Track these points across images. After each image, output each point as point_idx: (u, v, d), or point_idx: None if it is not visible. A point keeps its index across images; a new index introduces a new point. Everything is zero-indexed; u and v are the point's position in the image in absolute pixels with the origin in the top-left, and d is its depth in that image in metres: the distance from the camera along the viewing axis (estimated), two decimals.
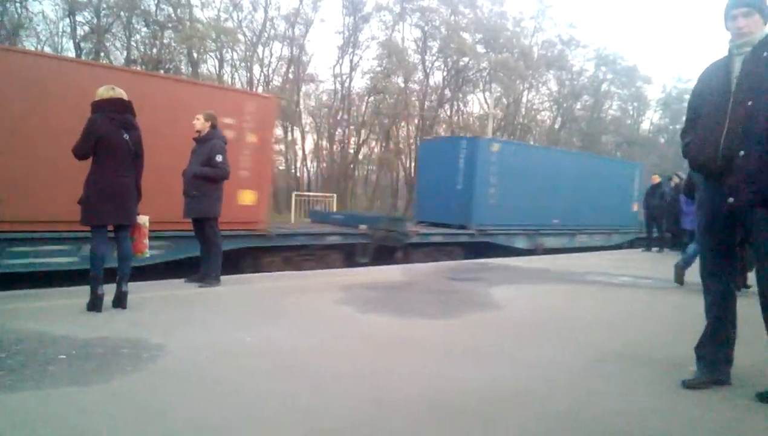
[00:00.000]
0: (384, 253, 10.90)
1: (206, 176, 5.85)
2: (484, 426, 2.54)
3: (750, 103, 2.06)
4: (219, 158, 5.88)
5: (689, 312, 5.65)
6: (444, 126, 32.30)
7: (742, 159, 1.94)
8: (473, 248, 12.64)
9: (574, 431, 2.52)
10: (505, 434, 2.46)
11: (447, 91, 32.30)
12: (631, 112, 43.25)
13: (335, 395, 2.87)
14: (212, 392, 2.84)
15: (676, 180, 13.84)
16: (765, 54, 2.19)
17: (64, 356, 3.29)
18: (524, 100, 36.30)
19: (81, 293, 4.77)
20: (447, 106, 33.28)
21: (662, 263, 10.84)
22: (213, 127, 6.05)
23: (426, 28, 30.51)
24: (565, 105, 37.31)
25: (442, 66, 31.91)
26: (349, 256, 10.49)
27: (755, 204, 2.01)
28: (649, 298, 6.43)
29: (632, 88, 40.05)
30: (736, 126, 2.11)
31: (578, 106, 38.77)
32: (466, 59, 30.42)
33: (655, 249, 13.37)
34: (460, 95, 33.44)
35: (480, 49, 31.28)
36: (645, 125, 44.41)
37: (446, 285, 6.69)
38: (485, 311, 5.20)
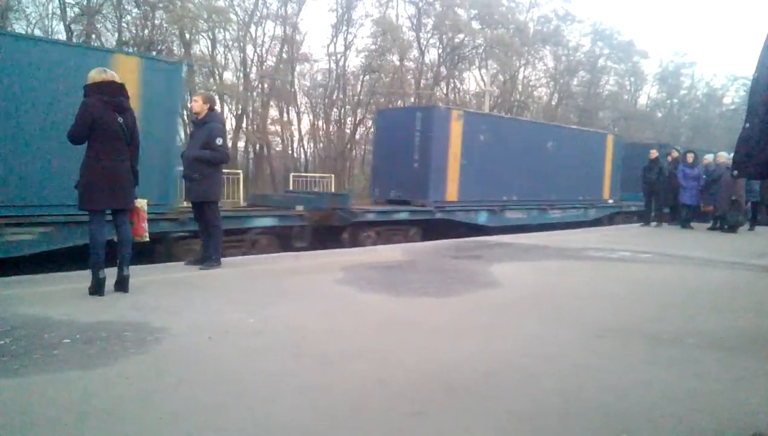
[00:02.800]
0: (329, 235, 10.20)
1: (206, 159, 5.83)
2: (483, 402, 2.57)
3: (755, 75, 2.02)
4: (219, 141, 5.86)
5: (687, 286, 5.70)
6: (440, 104, 32.14)
7: (746, 131, 1.90)
8: (432, 225, 11.75)
9: (570, 407, 2.55)
10: (503, 410, 2.49)
11: (443, 69, 32.08)
12: (628, 87, 43.02)
13: (337, 374, 2.90)
14: (215, 373, 2.86)
15: (674, 154, 13.83)
16: None
17: (69, 340, 3.31)
18: (521, 76, 36.08)
19: (82, 278, 4.77)
20: (443, 84, 33.06)
21: (661, 237, 10.89)
22: (211, 109, 6.01)
23: (420, 4, 30.18)
24: (561, 81, 37.10)
25: (438, 43, 31.64)
26: (286, 240, 9.60)
27: (755, 177, 1.98)
28: (647, 272, 6.46)
29: (629, 63, 39.77)
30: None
31: (575, 82, 38.54)
32: (461, 36, 30.16)
33: (653, 224, 13.42)
34: (456, 73, 33.21)
35: (475, 25, 30.99)
36: (642, 100, 44.25)
37: (446, 263, 6.71)
38: (485, 289, 5.22)
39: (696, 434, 2.30)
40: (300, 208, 10.09)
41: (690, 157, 13.04)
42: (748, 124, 1.87)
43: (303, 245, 9.61)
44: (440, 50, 31.58)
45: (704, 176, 12.88)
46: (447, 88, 33.41)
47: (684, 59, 42.82)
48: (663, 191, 13.33)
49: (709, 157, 13.55)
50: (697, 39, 69.29)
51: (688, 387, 2.82)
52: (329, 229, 10.22)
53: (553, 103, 37.83)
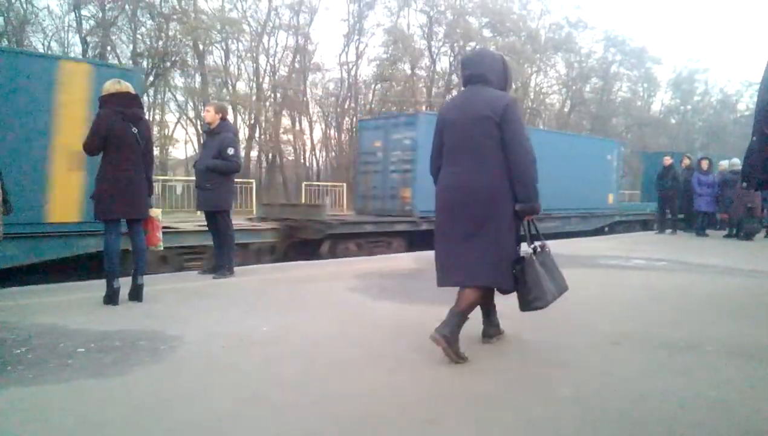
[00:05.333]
0: (305, 246, 9.73)
1: (218, 169, 5.87)
2: (499, 411, 2.54)
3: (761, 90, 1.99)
4: (231, 151, 5.90)
5: (704, 293, 5.62)
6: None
7: (753, 144, 1.88)
8: (417, 237, 11.01)
9: (587, 415, 2.51)
10: (519, 418, 2.46)
11: (454, 77, 32.11)
12: (642, 94, 42.82)
13: (351, 381, 2.89)
14: (229, 381, 2.86)
15: (687, 161, 13.72)
16: None
17: (83, 350, 3.33)
18: (532, 83, 36.03)
19: (97, 287, 4.81)
20: (455, 92, 33.07)
21: (676, 245, 10.77)
22: (223, 119, 6.06)
23: (431, 13, 30.27)
24: (574, 88, 36.99)
25: (449, 51, 31.70)
26: (258, 254, 9.03)
27: (764, 188, 1.94)
28: (663, 280, 6.39)
29: (642, 69, 39.61)
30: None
31: (587, 88, 38.43)
32: (472, 44, 30.17)
33: (668, 231, 13.29)
34: None
35: (486, 33, 31.04)
36: (655, 106, 43.99)
37: None
38: (497, 297, 5.18)
39: None
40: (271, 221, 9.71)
41: (704, 164, 12.92)
42: (754, 138, 1.86)
43: (272, 258, 9.15)
44: (452, 58, 31.63)
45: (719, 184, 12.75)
46: None
47: (697, 65, 42.67)
48: (677, 198, 13.22)
49: (724, 164, 13.43)
50: (710, 45, 68.87)
51: (706, 395, 2.77)
52: (304, 241, 9.77)
53: (566, 110, 37.71)
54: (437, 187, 3.47)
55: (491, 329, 3.68)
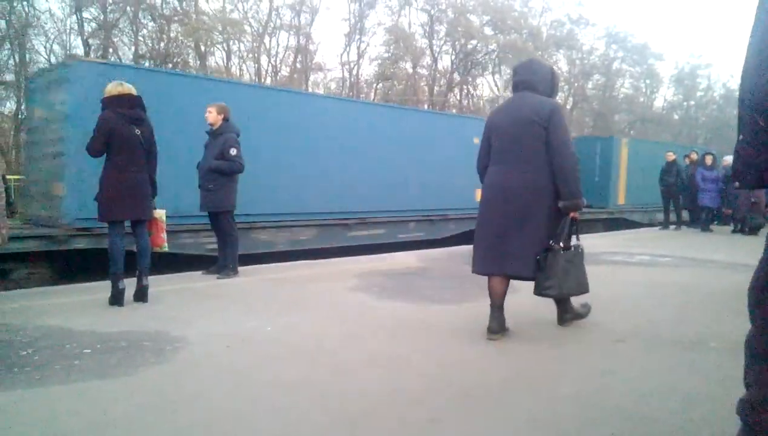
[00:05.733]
0: None
1: (221, 170, 5.88)
2: (500, 409, 2.55)
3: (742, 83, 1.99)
4: (233, 152, 5.90)
5: (708, 289, 5.62)
6: (454, 111, 32.11)
7: (740, 142, 1.88)
8: (610, 224, 15.32)
9: (589, 413, 2.52)
10: (520, 417, 2.47)
11: (456, 75, 32.10)
12: (644, 90, 42.70)
13: (353, 381, 2.90)
14: (233, 381, 2.88)
15: (693, 157, 13.68)
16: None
17: (89, 351, 3.35)
18: None
19: (102, 289, 4.84)
20: (456, 91, 33.08)
21: (680, 240, 10.76)
22: (225, 119, 6.07)
23: (432, 11, 30.25)
24: (576, 85, 36.91)
25: (450, 50, 31.68)
26: None
27: (755, 187, 1.93)
28: (667, 276, 6.38)
29: (644, 65, 39.48)
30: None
31: (590, 85, 38.33)
32: (474, 42, 30.17)
33: (672, 227, 13.27)
34: (470, 79, 33.21)
35: (488, 31, 30.99)
36: (658, 103, 43.86)
37: (461, 269, 6.69)
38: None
39: None
40: None
41: (709, 160, 12.90)
42: (741, 136, 1.87)
43: None
44: (453, 57, 31.63)
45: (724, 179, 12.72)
46: (460, 95, 33.41)
47: (700, 61, 42.48)
48: (681, 194, 13.20)
49: (728, 159, 13.38)
50: (712, 40, 68.59)
51: (710, 392, 2.78)
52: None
53: (568, 107, 37.64)
54: (484, 184, 3.82)
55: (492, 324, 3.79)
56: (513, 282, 3.79)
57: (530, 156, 3.58)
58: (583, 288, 3.76)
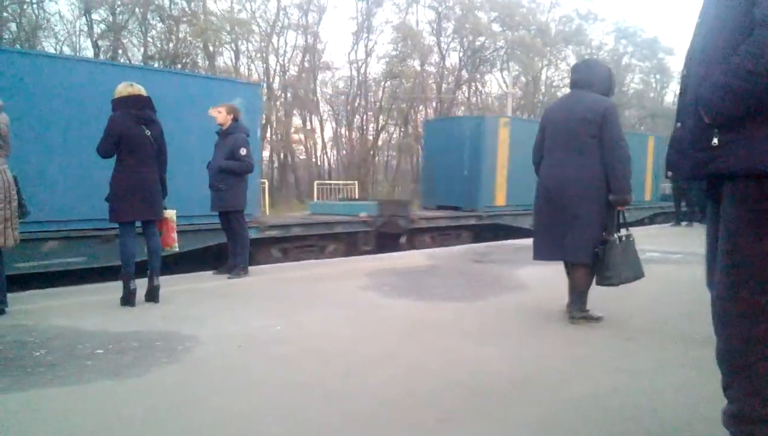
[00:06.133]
0: (388, 239, 10.57)
1: (231, 170, 5.90)
2: (511, 408, 2.54)
3: (684, 72, 1.97)
4: (243, 152, 5.93)
5: None
6: (462, 108, 32.06)
7: (677, 131, 1.88)
8: (482, 230, 12.30)
9: (601, 411, 2.51)
10: (531, 415, 2.46)
11: (464, 73, 32.04)
12: (654, 85, 42.43)
13: (364, 380, 2.90)
14: (244, 381, 2.89)
15: None
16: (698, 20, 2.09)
17: (101, 351, 3.37)
18: (543, 77, 35.86)
19: (113, 289, 4.86)
20: (465, 88, 33.03)
21: (691, 237, 10.67)
22: (235, 120, 6.09)
23: (440, 9, 30.22)
24: None
25: (458, 47, 31.65)
26: (352, 245, 10.10)
27: (688, 178, 1.92)
28: (678, 273, 6.34)
29: (654, 60, 39.25)
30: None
31: None
32: (482, 39, 30.10)
33: (684, 223, 13.17)
34: (478, 76, 33.15)
35: (496, 27, 30.91)
36: (669, 97, 43.51)
37: (471, 268, 6.68)
38: (511, 293, 5.19)
39: None
40: (364, 214, 10.51)
41: None
42: (679, 124, 1.87)
43: (369, 248, 10.03)
44: (461, 54, 31.59)
45: None
46: (469, 92, 33.34)
47: None
48: (693, 190, 13.08)
49: None
50: None
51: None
52: (387, 234, 10.59)
53: None
54: (539, 176, 4.11)
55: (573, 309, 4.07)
56: (518, 279, 3.78)
57: (583, 151, 3.83)
58: (638, 274, 4.00)
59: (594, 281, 3.98)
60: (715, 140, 1.70)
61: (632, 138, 16.65)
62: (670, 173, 1.93)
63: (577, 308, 4.04)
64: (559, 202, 3.90)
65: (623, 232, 3.99)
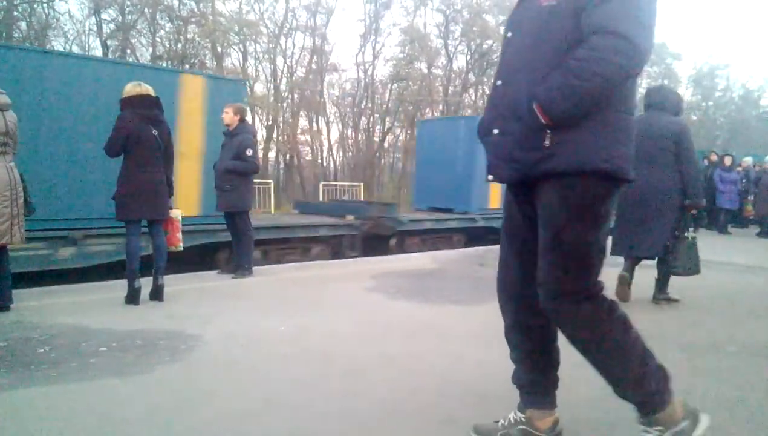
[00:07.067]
0: (377, 242, 10.28)
1: (237, 170, 5.92)
2: (510, 412, 2.52)
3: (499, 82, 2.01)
4: (249, 152, 5.95)
5: (726, 293, 5.54)
6: (469, 111, 31.99)
7: (495, 137, 1.93)
8: (476, 233, 11.76)
9: (604, 416, 2.50)
10: None
11: (471, 76, 31.99)
12: None
13: (367, 381, 2.90)
14: (247, 380, 2.89)
15: (713, 158, 13.50)
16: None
17: (106, 349, 3.38)
18: None
19: (118, 287, 4.88)
20: (472, 91, 32.96)
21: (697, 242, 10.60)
22: (242, 120, 6.11)
23: (448, 12, 30.17)
24: None
25: (466, 50, 31.57)
26: (337, 248, 9.68)
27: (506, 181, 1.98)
28: (683, 279, 6.28)
29: (662, 65, 39.06)
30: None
31: None
32: (489, 42, 30.03)
33: (690, 229, 13.10)
34: (485, 79, 33.06)
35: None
36: None
37: (475, 271, 6.67)
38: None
39: None
40: (350, 217, 10.18)
41: (727, 161, 12.73)
42: (497, 131, 1.93)
43: (355, 253, 9.62)
44: (468, 57, 31.52)
45: (744, 181, 12.55)
46: (476, 95, 33.29)
47: (718, 61, 41.89)
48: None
49: (748, 160, 13.22)
50: (731, 40, 67.67)
51: (727, 396, 2.74)
52: (377, 237, 10.29)
53: None
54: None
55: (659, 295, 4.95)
56: None
57: (662, 163, 4.55)
58: (696, 270, 4.81)
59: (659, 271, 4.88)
60: (547, 141, 1.83)
61: None
62: (490, 177, 1.99)
63: (659, 290, 4.90)
64: (645, 206, 4.59)
65: (690, 231, 4.79)
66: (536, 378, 2.20)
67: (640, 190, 4.51)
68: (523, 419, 2.21)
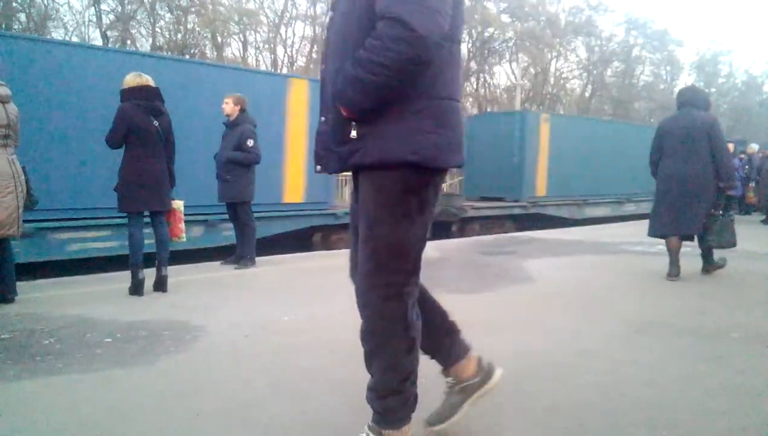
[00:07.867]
0: (441, 228, 11.12)
1: (238, 161, 5.91)
2: (518, 398, 2.54)
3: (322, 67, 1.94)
4: (250, 143, 5.93)
5: (730, 279, 5.54)
6: (471, 100, 31.89)
7: (322, 125, 1.86)
8: (524, 219, 13.24)
9: (608, 402, 2.50)
10: (539, 406, 2.46)
11: (473, 64, 31.83)
12: (665, 77, 41.98)
13: None
14: (252, 370, 2.90)
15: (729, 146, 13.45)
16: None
17: (110, 340, 3.40)
18: (552, 69, 35.53)
19: (122, 278, 4.90)
20: (473, 79, 32.81)
21: None
22: (242, 111, 6.09)
23: None
24: (595, 72, 36.41)
25: (467, 38, 31.37)
26: None
27: (334, 171, 1.92)
28: (688, 266, 6.29)
29: (664, 52, 38.78)
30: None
31: (609, 72, 37.76)
32: (490, 30, 29.87)
33: None
34: (486, 67, 32.91)
35: (505, 18, 30.65)
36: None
37: (480, 260, 6.67)
38: (519, 284, 5.18)
39: (739, 430, 2.24)
40: None
41: (730, 147, 12.67)
42: (323, 119, 1.86)
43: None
44: (470, 45, 31.34)
45: (746, 167, 12.49)
46: (477, 84, 33.15)
47: (721, 47, 41.65)
48: None
49: (754, 146, 13.16)
50: (734, 26, 67.17)
51: (731, 382, 2.74)
52: (439, 223, 11.00)
53: (587, 94, 37.18)
54: (660, 172, 5.58)
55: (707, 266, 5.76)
56: (526, 271, 3.77)
57: (698, 152, 5.31)
58: (731, 244, 5.56)
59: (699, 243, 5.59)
60: (353, 133, 1.74)
61: (645, 131, 16.77)
62: (318, 168, 1.94)
63: (705, 262, 5.72)
64: (685, 189, 5.29)
65: (727, 212, 5.56)
66: (433, 343, 2.27)
67: (678, 176, 5.33)
68: (452, 381, 2.25)
